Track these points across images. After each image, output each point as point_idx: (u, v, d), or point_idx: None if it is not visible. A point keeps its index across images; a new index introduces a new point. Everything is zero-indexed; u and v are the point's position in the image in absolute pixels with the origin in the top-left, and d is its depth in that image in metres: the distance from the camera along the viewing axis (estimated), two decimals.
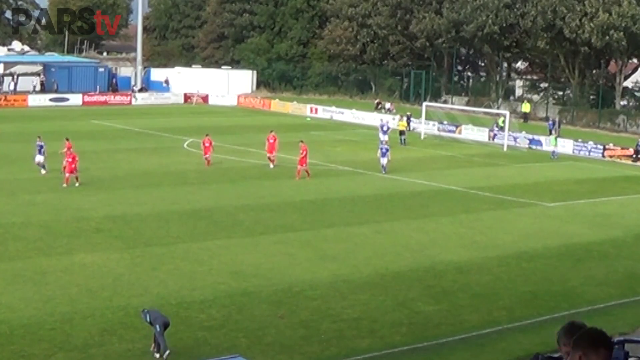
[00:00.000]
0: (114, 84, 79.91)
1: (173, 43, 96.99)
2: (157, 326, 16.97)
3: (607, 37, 61.56)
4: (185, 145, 48.27)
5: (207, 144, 41.11)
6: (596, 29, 61.65)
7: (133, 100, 76.92)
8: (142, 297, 20.63)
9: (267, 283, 22.24)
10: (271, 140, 41.25)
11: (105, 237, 26.59)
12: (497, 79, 76.93)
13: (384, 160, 40.19)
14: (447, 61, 78.63)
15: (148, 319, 17.20)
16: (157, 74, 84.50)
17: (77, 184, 34.86)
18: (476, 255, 26.05)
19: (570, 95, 71.12)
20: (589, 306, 21.57)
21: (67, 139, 37.75)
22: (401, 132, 53.39)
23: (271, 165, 40.78)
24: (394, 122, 57.91)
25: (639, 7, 62.41)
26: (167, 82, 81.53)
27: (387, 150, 40.83)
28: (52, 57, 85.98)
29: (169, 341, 17.84)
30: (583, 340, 4.59)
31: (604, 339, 4.58)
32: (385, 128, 49.73)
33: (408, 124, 57.63)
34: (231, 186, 36.50)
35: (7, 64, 78.68)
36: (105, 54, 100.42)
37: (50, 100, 72.39)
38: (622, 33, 61.27)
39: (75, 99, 73.50)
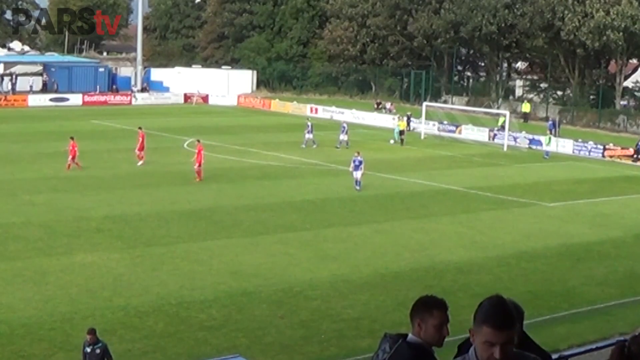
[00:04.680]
0: (114, 89, 79.75)
1: (173, 43, 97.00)
2: None
3: (604, 38, 61.51)
4: (185, 145, 48.27)
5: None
6: (593, 31, 61.58)
7: (133, 100, 76.90)
8: (142, 297, 20.65)
9: (267, 283, 22.25)
10: (140, 139, 41.40)
11: (105, 237, 26.59)
12: (497, 79, 76.93)
13: (357, 174, 36.12)
14: (447, 61, 78.63)
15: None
16: (157, 74, 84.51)
17: None
18: (476, 255, 26.05)
19: (570, 95, 71.12)
20: (589, 306, 21.57)
21: None
22: (401, 132, 53.44)
23: (139, 163, 40.70)
24: (394, 121, 57.94)
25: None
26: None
27: (360, 162, 36.18)
28: (52, 57, 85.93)
29: (170, 341, 17.86)
30: (417, 308, 4.70)
31: (435, 301, 4.68)
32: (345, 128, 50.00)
33: (408, 124, 57.68)
34: (231, 186, 36.51)
35: (7, 64, 78.64)
36: (105, 54, 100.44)
37: (50, 100, 72.34)
38: (620, 34, 61.19)
39: (75, 99, 73.46)
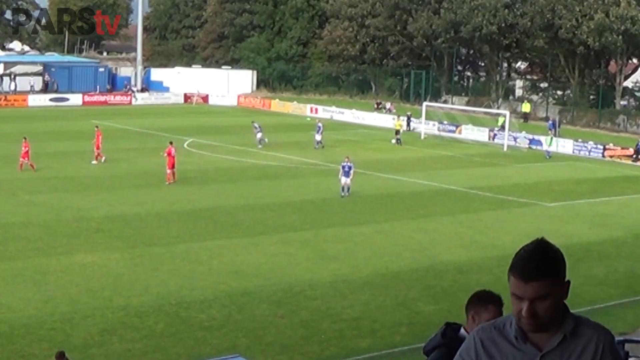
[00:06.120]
0: (109, 89, 79.58)
1: (173, 43, 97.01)
2: None
3: (603, 39, 61.47)
4: (185, 145, 48.24)
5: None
6: (593, 32, 61.53)
7: (133, 100, 76.88)
8: (142, 297, 20.66)
9: (267, 283, 22.26)
10: (97, 136, 41.77)
11: (105, 237, 26.60)
12: (497, 79, 76.90)
13: (346, 180, 34.48)
14: (447, 61, 78.61)
15: None
16: (157, 74, 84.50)
17: None
18: (476, 255, 26.05)
19: (570, 95, 71.11)
20: (589, 306, 21.54)
21: None
22: (397, 132, 53.35)
23: (94, 162, 40.98)
24: (393, 122, 57.92)
25: (639, 6, 62.31)
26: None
27: (350, 168, 34.53)
28: (52, 57, 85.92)
29: (170, 341, 17.86)
30: (472, 301, 4.64)
31: (491, 296, 4.58)
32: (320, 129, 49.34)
33: (408, 124, 57.62)
34: (231, 186, 36.51)
35: (7, 64, 78.63)
36: (105, 54, 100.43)
37: (50, 100, 72.34)
38: (619, 36, 61.12)
39: (75, 99, 73.45)
